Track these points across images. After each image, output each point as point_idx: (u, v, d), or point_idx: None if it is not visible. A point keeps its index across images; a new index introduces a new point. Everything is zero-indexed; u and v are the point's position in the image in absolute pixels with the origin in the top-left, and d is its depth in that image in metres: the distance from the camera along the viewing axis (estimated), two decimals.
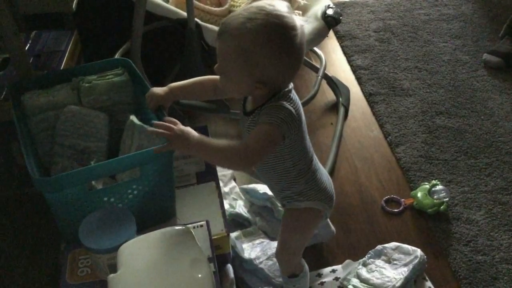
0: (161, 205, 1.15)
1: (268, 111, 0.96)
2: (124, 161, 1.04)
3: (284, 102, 0.96)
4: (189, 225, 1.06)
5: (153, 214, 1.13)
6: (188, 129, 0.97)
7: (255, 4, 0.93)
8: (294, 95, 1.00)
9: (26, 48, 1.67)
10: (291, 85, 1.01)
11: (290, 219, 1.15)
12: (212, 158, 1.01)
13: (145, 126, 1.12)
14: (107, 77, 1.27)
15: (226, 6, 1.65)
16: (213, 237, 1.09)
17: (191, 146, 0.95)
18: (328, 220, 1.38)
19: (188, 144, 0.95)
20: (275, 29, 0.90)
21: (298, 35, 0.92)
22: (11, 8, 1.27)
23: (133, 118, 1.15)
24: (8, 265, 1.37)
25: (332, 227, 1.43)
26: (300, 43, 0.93)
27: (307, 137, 1.07)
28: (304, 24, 0.96)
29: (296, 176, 1.07)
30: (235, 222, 1.43)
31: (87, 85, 1.24)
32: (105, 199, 1.06)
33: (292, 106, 0.97)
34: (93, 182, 1.10)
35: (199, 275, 0.89)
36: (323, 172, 1.14)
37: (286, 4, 0.94)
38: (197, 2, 1.60)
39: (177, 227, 0.98)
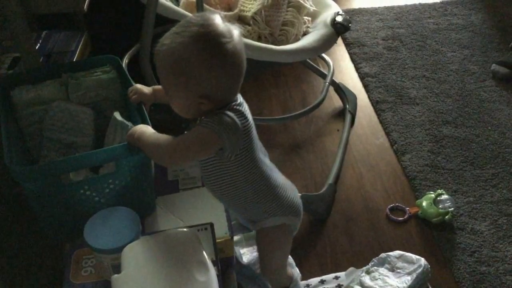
0: (139, 200, 1.15)
1: (208, 116, 0.94)
2: (95, 155, 1.06)
3: (228, 112, 0.93)
4: (193, 228, 1.06)
5: (132, 208, 1.13)
6: (142, 126, 1.02)
7: (185, 19, 0.94)
8: (244, 109, 0.97)
9: (37, 47, 1.69)
10: (240, 99, 0.98)
11: (261, 241, 1.14)
12: (146, 152, 1.00)
13: (127, 122, 1.14)
14: (95, 74, 1.29)
15: (236, 10, 1.66)
16: (216, 241, 1.09)
17: (134, 140, 1.00)
18: None
19: (133, 140, 1.01)
20: (202, 38, 0.89)
21: (230, 42, 0.90)
22: (23, 7, 1.28)
23: (116, 114, 1.17)
24: (11, 264, 1.37)
25: None
26: (234, 49, 0.91)
27: (263, 155, 1.04)
28: (239, 32, 0.94)
29: (253, 195, 1.04)
30: (239, 225, 1.43)
31: (74, 81, 1.27)
32: (81, 191, 1.07)
33: (237, 118, 0.94)
34: (70, 175, 1.11)
35: (203, 278, 0.89)
36: (287, 186, 1.11)
37: (216, 14, 0.94)
38: (207, 6, 1.61)
39: (182, 229, 0.99)
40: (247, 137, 0.97)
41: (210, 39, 0.89)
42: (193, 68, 0.90)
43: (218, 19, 0.92)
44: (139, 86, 1.17)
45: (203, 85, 0.92)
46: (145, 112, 1.15)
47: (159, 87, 1.14)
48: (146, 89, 1.16)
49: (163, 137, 0.97)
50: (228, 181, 1.02)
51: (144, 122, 1.12)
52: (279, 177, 1.10)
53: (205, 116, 0.95)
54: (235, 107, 0.96)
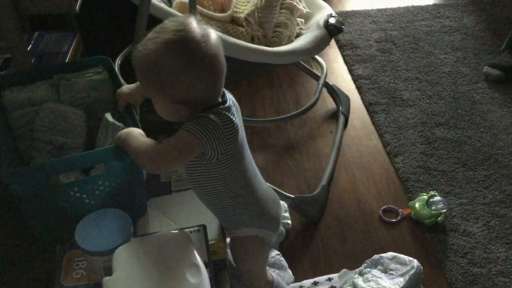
0: (130, 202, 1.14)
1: (190, 120, 0.93)
2: (85, 157, 1.05)
3: (210, 115, 0.93)
4: (186, 230, 1.06)
5: (123, 210, 1.12)
6: (131, 129, 1.02)
7: (161, 24, 0.93)
8: (231, 113, 0.96)
9: (28, 48, 1.68)
10: (229, 102, 0.97)
11: (235, 249, 1.13)
12: (131, 155, 0.99)
13: (118, 123, 1.13)
14: (87, 75, 1.29)
15: (229, 12, 1.65)
16: (209, 243, 1.08)
17: (121, 143, 1.00)
18: None
19: (120, 142, 1.00)
20: (174, 45, 0.88)
21: (203, 46, 0.89)
22: (14, 8, 1.27)
23: (107, 115, 1.16)
24: (1, 266, 1.36)
25: (282, 228, 1.43)
26: (208, 53, 0.90)
27: (248, 161, 1.03)
28: (216, 35, 0.92)
29: (230, 202, 1.03)
30: None
31: (66, 82, 1.26)
32: (71, 193, 1.07)
33: (220, 121, 0.93)
34: (60, 176, 1.10)
35: (195, 280, 0.89)
36: (269, 198, 1.09)
37: (192, 17, 0.92)
38: (200, 7, 1.61)
39: (174, 231, 0.98)
40: (231, 142, 0.95)
41: (182, 46, 0.88)
42: (166, 75, 0.89)
43: (193, 24, 0.91)
44: (124, 89, 1.15)
45: (177, 92, 0.91)
46: (135, 114, 1.14)
47: None
48: (127, 89, 1.14)
49: (146, 142, 0.96)
50: (208, 183, 1.00)
51: (134, 123, 1.12)
52: (262, 189, 1.08)
53: (189, 120, 0.94)
54: (221, 111, 0.94)
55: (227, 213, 1.06)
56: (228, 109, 0.96)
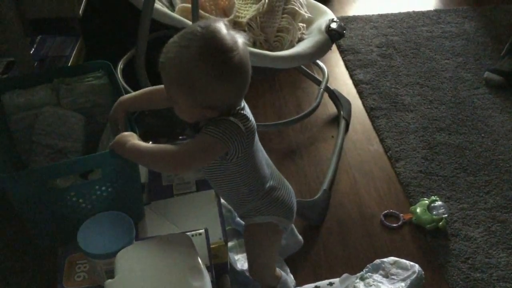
0: (128, 207, 1.14)
1: (212, 122, 0.94)
2: (80, 162, 1.05)
3: (231, 117, 0.95)
4: (188, 233, 1.06)
5: None
6: (128, 135, 1.00)
7: (188, 28, 0.93)
8: (247, 112, 0.99)
9: (31, 52, 1.68)
10: (243, 103, 0.99)
11: (249, 236, 1.15)
12: (144, 161, 1.00)
13: None
14: (87, 79, 1.29)
15: (231, 16, 1.66)
16: (211, 246, 1.09)
17: (125, 150, 0.98)
18: (295, 230, 1.41)
19: (123, 149, 0.98)
20: (208, 55, 0.88)
21: (236, 54, 0.89)
22: (17, 11, 1.28)
23: None
24: (3, 269, 1.36)
25: (299, 237, 1.44)
26: (240, 62, 0.90)
27: (263, 155, 1.06)
28: (243, 40, 0.93)
29: (248, 194, 1.06)
30: (234, 231, 1.43)
31: (66, 86, 1.26)
32: (68, 197, 1.07)
33: (241, 122, 0.95)
34: (57, 181, 1.11)
35: (198, 284, 0.89)
36: (284, 188, 1.12)
37: (221, 22, 0.92)
38: (202, 12, 1.62)
39: (176, 234, 0.98)
40: (250, 139, 0.98)
41: (217, 56, 0.89)
42: (199, 84, 0.90)
43: (223, 30, 0.91)
44: (110, 117, 1.14)
45: (208, 98, 0.92)
46: (133, 121, 1.14)
47: (124, 96, 1.12)
48: (114, 112, 1.12)
49: (167, 146, 0.97)
50: (225, 178, 1.03)
51: (132, 129, 1.12)
52: (276, 179, 1.11)
53: (209, 122, 0.95)
54: (239, 111, 0.97)
55: (243, 203, 1.08)
56: (244, 109, 0.99)
